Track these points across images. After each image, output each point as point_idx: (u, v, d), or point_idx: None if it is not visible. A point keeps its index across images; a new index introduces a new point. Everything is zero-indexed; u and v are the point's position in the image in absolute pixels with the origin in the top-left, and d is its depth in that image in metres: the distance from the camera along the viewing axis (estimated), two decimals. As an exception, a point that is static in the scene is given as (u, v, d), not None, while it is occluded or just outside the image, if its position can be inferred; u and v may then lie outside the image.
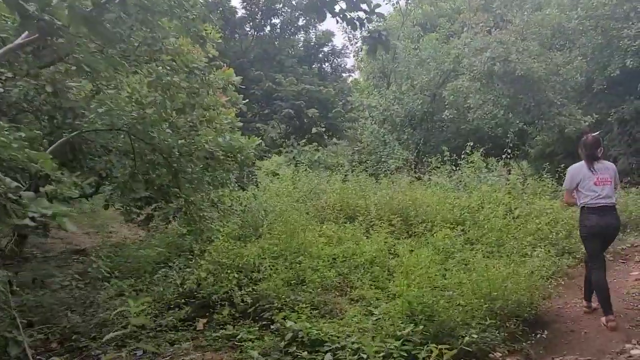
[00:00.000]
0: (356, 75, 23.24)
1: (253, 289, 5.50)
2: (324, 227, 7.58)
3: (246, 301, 5.34)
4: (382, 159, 12.87)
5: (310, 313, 4.71)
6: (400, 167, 11.68)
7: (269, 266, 5.81)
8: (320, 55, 23.32)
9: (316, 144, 17.54)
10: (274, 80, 19.96)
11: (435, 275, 5.00)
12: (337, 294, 5.57)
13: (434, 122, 15.50)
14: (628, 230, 8.34)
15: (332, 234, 7.29)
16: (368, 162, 14.61)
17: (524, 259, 5.55)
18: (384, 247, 6.63)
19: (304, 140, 17.55)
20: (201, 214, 6.04)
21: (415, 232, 7.40)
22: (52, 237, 8.23)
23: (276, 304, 5.05)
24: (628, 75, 13.05)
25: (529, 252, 6.28)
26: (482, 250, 6.40)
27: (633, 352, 3.87)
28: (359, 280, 5.67)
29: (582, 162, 4.83)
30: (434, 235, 7.02)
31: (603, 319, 4.51)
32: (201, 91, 7.68)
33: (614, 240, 4.93)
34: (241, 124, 10.14)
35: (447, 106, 13.43)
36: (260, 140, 10.17)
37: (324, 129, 18.09)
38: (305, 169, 11.67)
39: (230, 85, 9.09)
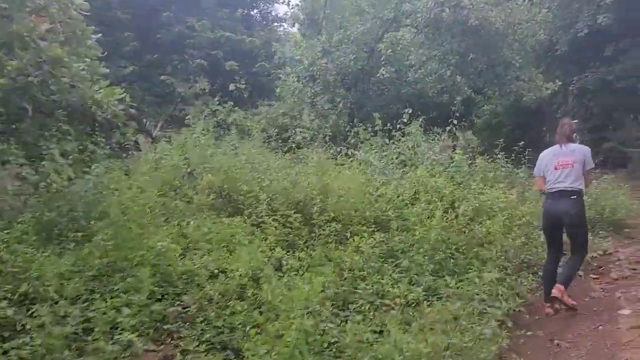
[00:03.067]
0: (286, 25, 20.59)
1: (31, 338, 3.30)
2: (192, 224, 5.36)
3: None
4: (304, 127, 10.67)
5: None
6: (314, 139, 9.49)
7: (49, 305, 3.55)
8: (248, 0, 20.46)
9: (232, 103, 15.01)
10: (186, 25, 17.00)
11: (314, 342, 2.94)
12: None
13: (371, 83, 13.33)
14: (600, 232, 6.66)
15: (199, 236, 5.10)
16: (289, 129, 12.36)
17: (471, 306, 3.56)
18: (265, 261, 4.52)
19: (216, 99, 15.01)
20: None
21: (320, 235, 5.31)
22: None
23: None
24: (596, 36, 11.41)
25: (476, 274, 4.39)
26: (406, 273, 4.44)
27: None
28: (202, 332, 3.54)
29: (551, 148, 4.83)
30: (344, 243, 4.99)
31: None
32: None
33: (579, 232, 4.64)
34: (107, 70, 7.59)
35: (384, 62, 11.27)
36: (124, 94, 7.68)
37: (244, 86, 15.57)
38: (201, 134, 9.21)
39: (74, 12, 6.65)
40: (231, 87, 15.84)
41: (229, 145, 8.54)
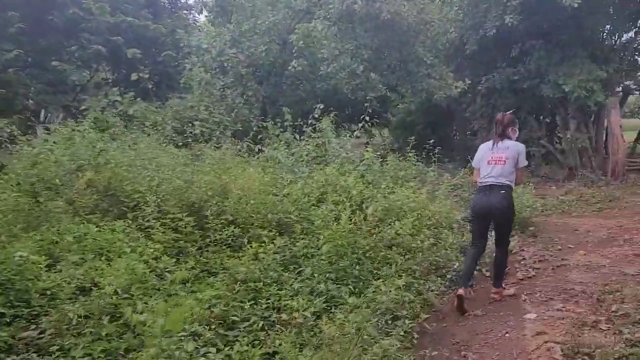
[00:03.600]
0: (195, 13, 19.63)
1: None
2: (62, 229, 4.64)
3: None
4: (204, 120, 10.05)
5: None
6: (218, 133, 8.94)
7: None
8: (154, -16, 19.26)
9: (133, 94, 13.99)
10: (81, 7, 15.60)
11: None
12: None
13: (284, 77, 12.92)
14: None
15: (69, 244, 4.40)
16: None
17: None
18: (146, 273, 3.95)
19: (115, 89, 13.91)
20: None
21: (216, 240, 4.81)
22: None
23: None
24: (504, 36, 11.76)
25: (382, 281, 4.10)
26: (308, 282, 4.07)
27: None
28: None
29: (489, 142, 4.92)
30: (242, 249, 4.52)
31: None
32: None
33: (506, 224, 4.81)
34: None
35: (296, 55, 10.90)
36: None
37: (147, 76, 14.50)
38: (90, 127, 8.29)
39: None
40: (133, 76, 14.74)
41: (123, 140, 7.76)
